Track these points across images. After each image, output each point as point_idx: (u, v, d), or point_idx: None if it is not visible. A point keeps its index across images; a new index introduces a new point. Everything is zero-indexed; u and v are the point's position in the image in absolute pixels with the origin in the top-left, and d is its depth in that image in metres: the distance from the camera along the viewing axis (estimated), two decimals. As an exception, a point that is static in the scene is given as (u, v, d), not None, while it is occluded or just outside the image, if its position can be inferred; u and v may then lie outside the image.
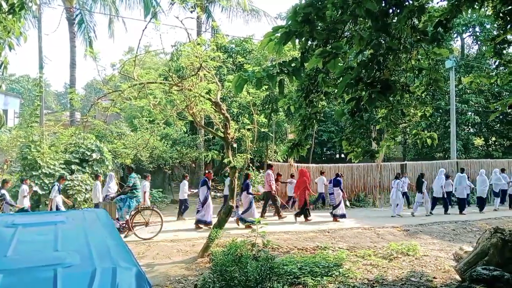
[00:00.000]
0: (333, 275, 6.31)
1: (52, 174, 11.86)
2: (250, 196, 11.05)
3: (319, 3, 3.46)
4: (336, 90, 4.43)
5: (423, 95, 5.43)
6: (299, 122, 5.38)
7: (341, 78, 3.84)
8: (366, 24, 4.23)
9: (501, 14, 5.29)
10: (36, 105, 13.19)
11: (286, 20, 3.56)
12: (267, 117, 12.93)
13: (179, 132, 18.19)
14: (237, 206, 11.85)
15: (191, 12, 7.29)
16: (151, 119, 14.38)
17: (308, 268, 6.38)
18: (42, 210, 10.92)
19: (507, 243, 5.93)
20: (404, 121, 5.91)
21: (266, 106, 15.72)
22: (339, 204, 12.01)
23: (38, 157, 11.82)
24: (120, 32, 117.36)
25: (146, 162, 15.82)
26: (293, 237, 9.64)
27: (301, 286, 5.94)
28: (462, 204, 13.86)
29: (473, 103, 21.95)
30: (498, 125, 23.55)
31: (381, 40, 3.87)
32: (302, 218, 11.94)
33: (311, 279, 6.00)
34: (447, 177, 14.00)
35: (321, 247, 8.63)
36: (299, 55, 3.87)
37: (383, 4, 3.71)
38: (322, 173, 14.18)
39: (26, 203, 10.23)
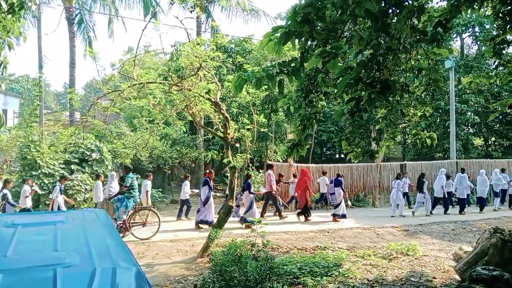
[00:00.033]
0: (333, 275, 6.32)
1: (51, 174, 11.85)
2: (252, 195, 11.09)
3: (319, 3, 3.46)
4: (335, 90, 4.42)
5: (422, 95, 5.43)
6: (299, 122, 5.38)
7: (340, 78, 3.84)
8: (366, 24, 4.23)
9: (500, 14, 5.30)
10: (36, 105, 13.18)
11: (285, 20, 3.56)
12: (266, 117, 12.91)
13: (178, 132, 18.18)
14: (238, 206, 11.89)
15: (191, 12, 7.29)
16: (150, 119, 14.40)
17: (308, 268, 6.39)
18: (41, 210, 10.91)
19: (506, 243, 5.94)
20: (403, 121, 5.91)
21: (266, 106, 15.72)
22: (339, 204, 12.03)
23: (38, 157, 11.81)
24: (119, 32, 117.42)
25: (146, 162, 15.82)
26: (293, 237, 9.65)
27: (300, 286, 5.94)
28: (462, 204, 13.88)
29: (472, 103, 21.96)
30: (498, 125, 23.56)
31: (381, 40, 3.87)
32: (302, 217, 11.95)
33: (311, 279, 6.00)
34: (447, 177, 14.02)
35: (320, 247, 8.63)
36: (299, 55, 3.87)
37: (383, 4, 3.71)
38: (324, 173, 14.18)
39: (29, 203, 10.23)
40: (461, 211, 13.72)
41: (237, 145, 8.13)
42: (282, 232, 10.13)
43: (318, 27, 3.66)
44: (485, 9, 5.63)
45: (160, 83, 7.81)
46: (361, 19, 3.87)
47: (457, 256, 7.13)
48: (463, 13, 4.76)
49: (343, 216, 12.02)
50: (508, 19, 5.25)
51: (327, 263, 6.76)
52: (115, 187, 11.54)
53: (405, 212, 13.26)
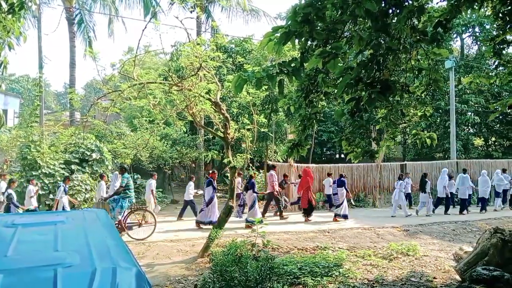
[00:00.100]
0: (333, 275, 6.32)
1: (52, 174, 11.86)
2: (255, 195, 11.12)
3: (319, 3, 3.46)
4: (336, 90, 4.43)
5: (422, 95, 5.43)
6: (299, 122, 5.38)
7: (341, 78, 3.84)
8: (366, 24, 4.23)
9: (500, 15, 5.30)
10: (36, 105, 13.18)
11: (285, 20, 3.56)
12: (267, 117, 12.93)
13: (179, 132, 18.18)
14: (240, 205, 11.90)
15: (191, 12, 7.30)
16: (151, 119, 14.39)
17: (308, 268, 6.39)
18: (42, 210, 10.91)
19: (507, 243, 5.94)
20: (404, 121, 5.91)
21: (266, 106, 15.70)
22: (341, 204, 12.06)
23: (38, 157, 11.81)
24: (120, 32, 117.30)
25: (146, 162, 15.83)
26: (293, 237, 9.65)
27: (301, 286, 5.94)
28: (463, 204, 13.88)
29: (472, 103, 21.95)
30: (498, 125, 23.55)
31: (381, 40, 3.87)
32: (302, 217, 11.98)
33: (311, 279, 6.01)
34: (450, 177, 14.03)
35: (321, 247, 8.63)
36: (299, 55, 3.88)
37: (383, 4, 3.71)
38: (329, 174, 14.15)
39: (34, 203, 10.24)
40: (461, 211, 13.72)
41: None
42: (283, 232, 10.13)
43: (318, 27, 3.66)
44: (485, 9, 5.63)
45: (160, 83, 7.81)
46: (361, 19, 3.87)
47: (458, 256, 7.13)
48: (463, 13, 4.76)
49: (345, 216, 12.03)
50: (508, 19, 5.25)
51: (327, 263, 6.76)
52: (119, 186, 11.54)
53: (409, 211, 13.28)
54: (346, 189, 12.33)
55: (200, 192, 12.71)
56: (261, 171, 17.52)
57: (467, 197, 14.01)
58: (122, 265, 1.99)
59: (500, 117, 22.28)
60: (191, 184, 12.34)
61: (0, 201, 9.73)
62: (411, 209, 13.92)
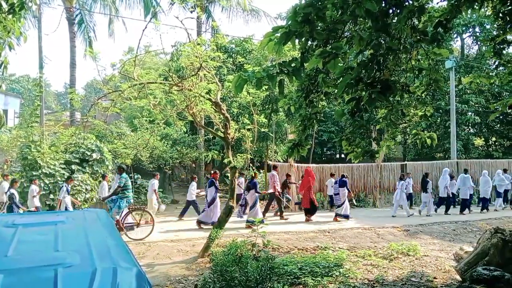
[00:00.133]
0: (334, 275, 6.31)
1: (52, 174, 11.86)
2: (256, 195, 11.14)
3: (319, 3, 3.46)
4: (336, 90, 4.43)
5: (423, 95, 5.43)
6: (299, 122, 5.38)
7: (341, 78, 3.84)
8: (366, 24, 4.23)
9: (500, 14, 5.29)
10: (36, 105, 13.19)
11: (286, 20, 3.56)
12: (267, 117, 12.93)
13: (179, 132, 18.19)
14: (242, 205, 11.90)
15: (191, 12, 7.31)
16: (151, 119, 14.38)
17: (309, 268, 6.39)
18: (42, 210, 10.91)
19: (507, 243, 5.93)
20: (404, 121, 5.91)
21: (266, 106, 15.71)
22: (343, 204, 12.08)
23: (38, 157, 11.82)
24: (120, 32, 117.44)
25: (146, 162, 15.83)
26: (294, 237, 9.65)
27: (301, 286, 5.94)
28: (464, 204, 13.88)
29: (473, 103, 21.94)
30: (498, 125, 23.53)
31: (381, 40, 3.87)
32: (313, 216, 12.00)
33: (312, 279, 6.01)
34: (451, 177, 14.03)
35: (321, 247, 8.63)
36: (299, 55, 3.87)
37: (383, 4, 3.71)
38: (332, 175, 14.15)
39: (37, 203, 10.24)
40: (462, 211, 13.72)
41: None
42: (283, 232, 10.13)
43: (319, 27, 3.66)
44: (485, 9, 5.62)
45: (161, 83, 7.81)
46: (361, 19, 3.87)
47: (458, 256, 7.13)
48: (463, 13, 4.75)
49: (346, 216, 12.03)
50: (508, 19, 5.24)
51: (327, 263, 6.77)
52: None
53: (410, 211, 13.28)
54: (348, 189, 12.37)
55: (202, 193, 12.71)
56: (261, 171, 17.52)
57: (468, 197, 14.01)
58: (122, 265, 1.99)
59: (501, 117, 22.26)
60: (194, 184, 12.35)
61: (3, 201, 9.75)
62: (411, 209, 13.92)
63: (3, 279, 1.76)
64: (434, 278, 6.54)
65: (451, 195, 13.76)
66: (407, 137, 23.28)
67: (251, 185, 11.35)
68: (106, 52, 52.70)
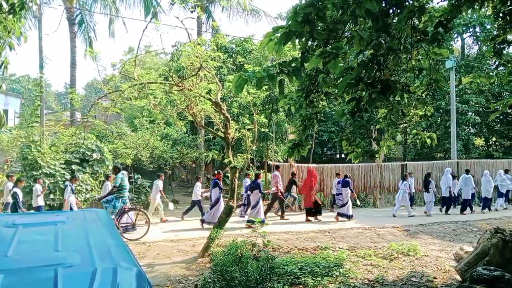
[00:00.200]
0: (334, 275, 6.31)
1: (52, 174, 11.86)
2: (260, 195, 11.16)
3: (319, 3, 3.46)
4: (336, 90, 4.43)
5: (423, 95, 5.43)
6: (300, 122, 5.38)
7: (341, 78, 3.84)
8: (366, 24, 4.23)
9: (501, 14, 5.29)
10: (37, 105, 13.19)
11: (286, 20, 3.56)
12: (267, 117, 12.93)
13: (179, 132, 18.18)
14: (244, 205, 11.88)
15: (191, 12, 7.32)
16: (151, 119, 14.38)
17: (309, 268, 6.39)
18: (44, 210, 10.91)
19: (507, 243, 5.93)
20: (404, 121, 5.91)
21: (267, 106, 15.71)
22: (346, 204, 12.09)
23: (39, 157, 11.82)
24: (120, 32, 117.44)
25: (147, 162, 15.82)
26: (294, 237, 9.64)
27: (301, 286, 5.94)
28: (465, 204, 13.88)
29: (473, 103, 21.94)
30: (499, 125, 23.53)
31: (381, 40, 3.87)
32: (319, 217, 12.03)
33: (312, 279, 6.00)
34: (453, 177, 14.02)
35: (321, 247, 8.63)
36: (299, 55, 3.88)
37: (383, 4, 3.71)
38: (337, 174, 14.10)
39: (40, 202, 10.22)
40: (462, 211, 13.72)
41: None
42: (283, 232, 10.13)
43: (319, 27, 3.66)
44: (486, 9, 5.62)
45: (161, 83, 7.81)
46: (361, 19, 3.87)
47: (458, 256, 7.12)
48: (463, 13, 4.75)
49: (348, 216, 12.03)
50: (508, 19, 5.25)
51: (327, 263, 6.76)
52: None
53: (412, 211, 13.28)
54: (351, 189, 12.39)
55: (206, 194, 12.70)
56: (261, 171, 17.52)
57: (469, 198, 14.01)
58: (122, 265, 1.99)
59: (501, 117, 22.27)
60: (199, 185, 12.34)
61: (8, 201, 9.75)
62: (412, 209, 13.91)
63: (3, 279, 1.76)
64: (434, 278, 6.54)
65: (453, 195, 13.76)
66: (407, 137, 23.25)
67: (254, 186, 11.35)
68: (106, 52, 52.76)
